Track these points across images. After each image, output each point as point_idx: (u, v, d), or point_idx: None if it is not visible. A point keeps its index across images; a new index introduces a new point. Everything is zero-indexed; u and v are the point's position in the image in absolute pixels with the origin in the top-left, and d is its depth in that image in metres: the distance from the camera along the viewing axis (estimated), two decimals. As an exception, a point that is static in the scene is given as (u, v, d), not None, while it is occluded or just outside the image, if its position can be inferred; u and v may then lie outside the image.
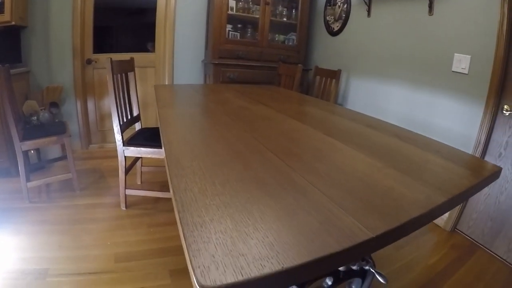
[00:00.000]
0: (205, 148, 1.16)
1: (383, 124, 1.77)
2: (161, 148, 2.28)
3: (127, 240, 2.14)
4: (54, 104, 3.28)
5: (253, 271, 0.50)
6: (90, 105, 3.59)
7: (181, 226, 0.62)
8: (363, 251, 0.64)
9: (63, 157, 2.98)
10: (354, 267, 1.31)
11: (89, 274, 1.81)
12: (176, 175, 0.85)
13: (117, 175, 2.40)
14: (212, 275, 0.49)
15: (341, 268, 1.28)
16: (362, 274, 1.67)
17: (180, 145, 1.15)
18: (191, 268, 0.51)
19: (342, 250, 0.59)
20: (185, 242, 0.56)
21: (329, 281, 1.55)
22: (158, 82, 3.82)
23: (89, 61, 3.44)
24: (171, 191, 0.77)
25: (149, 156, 2.30)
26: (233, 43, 3.59)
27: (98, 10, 3.47)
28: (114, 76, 2.26)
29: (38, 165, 3.07)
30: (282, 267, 0.52)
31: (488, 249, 2.34)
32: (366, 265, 1.33)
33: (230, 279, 0.48)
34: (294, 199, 0.77)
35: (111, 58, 2.19)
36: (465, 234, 2.51)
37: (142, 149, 2.29)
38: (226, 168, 0.94)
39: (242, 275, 0.49)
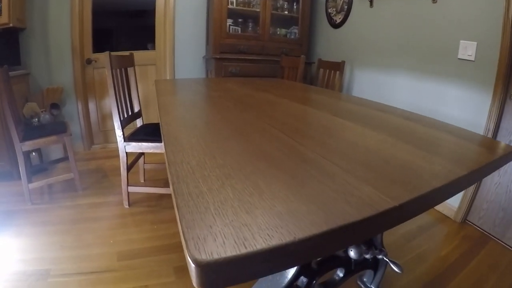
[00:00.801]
0: (205, 127, 1.09)
1: (391, 108, 1.69)
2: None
3: (130, 238, 2.06)
4: (55, 105, 3.21)
5: (259, 243, 0.42)
6: (91, 105, 3.52)
7: (175, 197, 0.53)
8: (385, 222, 0.56)
9: (65, 158, 2.91)
10: (368, 256, 1.21)
11: (91, 274, 1.75)
12: (172, 151, 0.77)
13: (120, 174, 2.33)
14: (208, 247, 0.41)
15: (352, 255, 1.18)
16: (375, 265, 1.58)
17: (179, 126, 1.07)
18: (184, 241, 0.42)
19: (363, 220, 0.50)
20: (178, 213, 0.48)
21: (340, 273, 1.45)
22: (159, 79, 3.74)
23: (89, 61, 3.38)
24: (166, 165, 0.69)
25: (151, 151, 2.23)
26: (234, 38, 3.51)
27: (97, 11, 3.42)
28: (113, 71, 2.19)
29: (40, 167, 3.00)
30: (294, 238, 0.43)
31: (500, 240, 2.26)
32: (379, 254, 1.23)
33: (231, 251, 0.40)
34: (303, 169, 0.69)
35: (109, 52, 2.12)
36: (476, 226, 2.42)
37: (144, 144, 2.21)
38: (227, 144, 0.86)
39: (246, 247, 0.41)
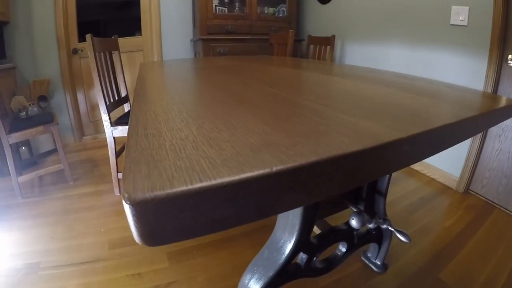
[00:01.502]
0: (183, 87, 0.94)
1: (385, 71, 1.55)
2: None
3: (122, 226, 1.95)
4: (43, 98, 3.06)
5: (220, 175, 0.27)
6: (80, 96, 3.36)
7: (127, 139, 0.39)
8: (393, 157, 0.42)
9: (55, 150, 2.78)
10: (371, 225, 1.08)
11: (82, 264, 1.64)
12: (139, 103, 0.62)
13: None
14: (151, 182, 0.26)
15: (354, 224, 1.05)
16: (379, 238, 1.45)
17: (153, 88, 0.92)
18: (122, 179, 0.28)
19: (365, 151, 0.36)
20: (125, 153, 0.33)
21: (342, 248, 1.32)
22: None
23: (75, 51, 3.21)
24: (130, 115, 0.54)
25: None
26: (221, 18, 3.35)
27: (83, 2, 3.25)
28: (97, 54, 2.05)
29: (30, 160, 2.86)
30: (271, 169, 0.29)
31: (504, 208, 2.16)
32: (383, 223, 1.10)
33: (179, 185, 0.25)
34: (288, 109, 0.55)
35: (91, 35, 1.97)
36: (479, 195, 2.30)
37: (131, 127, 2.06)
38: (203, 94, 0.72)
39: (201, 180, 0.26)
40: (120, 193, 2.25)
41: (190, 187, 0.26)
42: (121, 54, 3.23)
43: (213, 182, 0.27)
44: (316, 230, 1.27)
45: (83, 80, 3.35)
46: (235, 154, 0.33)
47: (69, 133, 3.33)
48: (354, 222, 1.04)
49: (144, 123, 0.48)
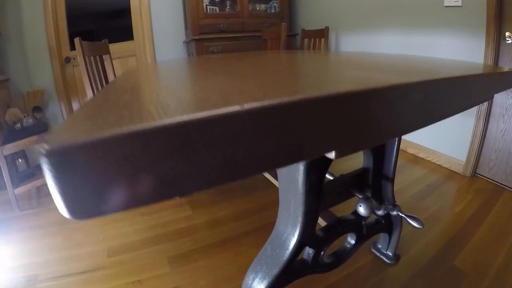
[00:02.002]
0: (170, 72, 0.84)
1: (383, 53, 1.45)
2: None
3: (120, 232, 1.86)
4: (38, 109, 2.97)
5: (168, 114, 0.18)
6: (75, 105, 3.27)
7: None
8: (403, 109, 0.32)
9: (52, 160, 2.67)
10: (380, 212, 0.98)
11: (80, 274, 1.54)
12: (107, 89, 0.53)
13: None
14: (74, 131, 0.17)
15: (362, 211, 0.95)
16: (389, 228, 1.34)
17: (139, 76, 0.82)
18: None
19: (367, 92, 0.26)
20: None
21: (351, 240, 1.22)
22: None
23: (67, 59, 3.13)
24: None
25: None
26: (213, 17, 3.26)
27: (74, 13, 3.19)
28: (86, 58, 1.95)
29: (27, 172, 2.77)
30: (242, 106, 0.19)
31: None
32: (393, 210, 1.00)
33: (110, 127, 0.16)
34: (279, 71, 0.44)
35: (79, 38, 1.88)
36: (487, 178, 2.20)
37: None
38: (188, 71, 0.62)
39: (141, 122, 0.17)
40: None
41: (124, 130, 0.17)
42: (114, 60, 3.15)
43: (157, 124, 0.18)
44: (322, 222, 1.18)
45: (77, 89, 3.26)
46: (198, 100, 0.23)
47: (66, 142, 3.25)
48: (361, 209, 0.94)
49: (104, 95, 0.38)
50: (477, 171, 2.27)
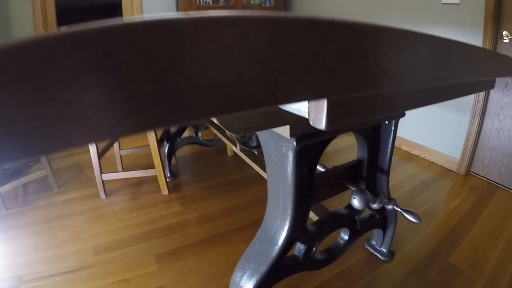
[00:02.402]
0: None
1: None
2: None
3: (107, 230, 1.79)
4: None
5: None
6: None
7: None
8: (405, 66, 0.26)
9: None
10: (375, 205, 0.93)
11: (66, 274, 1.47)
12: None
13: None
14: None
15: (356, 204, 0.90)
16: (383, 223, 1.29)
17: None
18: None
19: (347, 24, 0.21)
20: None
21: (344, 235, 1.16)
22: None
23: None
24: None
25: None
26: (206, 9, 3.19)
27: (65, 7, 3.09)
28: None
29: (13, 169, 2.67)
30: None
31: (507, 188, 2.05)
32: (388, 203, 0.95)
33: None
34: None
35: (58, 27, 1.80)
36: (481, 176, 2.17)
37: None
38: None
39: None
40: (105, 196, 2.10)
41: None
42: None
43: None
44: (313, 217, 1.12)
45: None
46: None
47: (54, 140, 3.15)
48: (356, 202, 0.89)
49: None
50: (471, 169, 2.24)
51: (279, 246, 0.87)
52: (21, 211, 2.07)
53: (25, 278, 1.46)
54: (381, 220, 1.24)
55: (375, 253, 1.41)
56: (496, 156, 2.09)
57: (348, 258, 1.40)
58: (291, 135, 0.69)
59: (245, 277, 0.94)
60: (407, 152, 2.62)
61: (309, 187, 0.83)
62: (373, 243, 1.43)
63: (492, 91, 2.04)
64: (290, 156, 0.74)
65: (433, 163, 2.41)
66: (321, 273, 1.32)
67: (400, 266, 1.37)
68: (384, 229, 1.30)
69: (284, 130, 0.69)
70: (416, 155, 2.55)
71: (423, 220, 1.67)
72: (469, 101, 2.12)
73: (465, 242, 1.52)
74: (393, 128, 1.02)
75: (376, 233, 1.39)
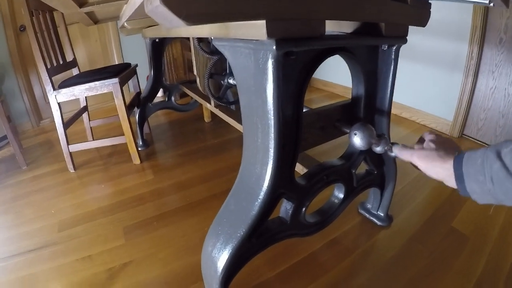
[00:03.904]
0: None
1: None
2: (104, 79, 1.66)
3: (74, 203, 1.58)
4: (-8, 82, 2.59)
5: None
6: (33, 77, 2.86)
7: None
8: None
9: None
10: (378, 149, 0.71)
11: (28, 253, 1.28)
12: None
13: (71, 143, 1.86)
14: None
15: (357, 142, 0.68)
16: (381, 181, 1.08)
17: None
18: None
19: None
20: None
21: (339, 193, 0.95)
22: (103, 36, 3.10)
23: (23, 28, 2.72)
24: None
25: (89, 94, 1.70)
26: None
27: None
28: (33, 11, 1.66)
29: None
30: None
31: None
32: (390, 150, 0.72)
33: None
34: None
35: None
36: (475, 139, 1.99)
37: (76, 88, 1.66)
38: None
39: None
40: (74, 169, 1.87)
41: None
42: (73, 25, 2.79)
43: None
44: (302, 170, 0.91)
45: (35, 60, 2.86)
46: None
47: (25, 118, 2.86)
48: (357, 139, 0.67)
49: None
50: (465, 132, 2.05)
51: (259, 201, 0.66)
52: (-11, 192, 1.84)
53: (-13, 260, 1.27)
54: (379, 177, 1.03)
55: (371, 218, 1.21)
56: (491, 117, 1.91)
57: (340, 225, 1.20)
58: (269, 35, 0.47)
59: (218, 245, 0.72)
60: (395, 115, 2.41)
61: (296, 119, 0.61)
62: (368, 206, 1.23)
63: (486, 48, 1.84)
64: (269, 68, 0.51)
65: (423, 125, 2.22)
66: (310, 242, 1.12)
67: (400, 232, 1.18)
68: (382, 188, 1.09)
69: (259, 29, 0.47)
70: (406, 118, 2.35)
71: (419, 183, 1.49)
72: (461, 58, 1.92)
73: (467, 206, 1.34)
74: (393, 57, 0.80)
75: (372, 195, 1.19)
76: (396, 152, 0.68)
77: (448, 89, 2.04)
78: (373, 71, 0.82)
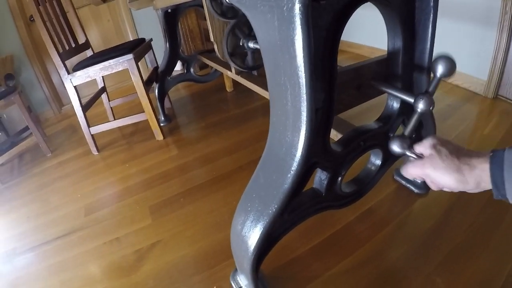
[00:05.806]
0: None
1: None
2: (118, 57, 1.60)
3: (99, 186, 1.56)
4: (10, 76, 2.58)
5: None
6: (50, 65, 2.83)
7: None
8: None
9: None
10: (422, 107, 0.62)
11: (56, 240, 1.27)
12: None
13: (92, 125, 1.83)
14: None
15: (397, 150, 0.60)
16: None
17: None
18: None
19: None
20: None
21: (376, 160, 0.86)
22: (114, 15, 3.02)
23: (32, 18, 2.67)
24: None
25: (104, 74, 1.67)
26: None
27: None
28: (39, 0, 1.61)
29: (7, 143, 2.41)
30: None
31: None
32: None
33: None
34: None
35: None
36: (511, 100, 1.81)
37: (91, 68, 1.61)
38: None
39: None
40: (98, 152, 1.86)
41: None
42: (84, 8, 2.72)
43: None
44: (336, 135, 0.83)
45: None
46: None
47: (47, 107, 2.86)
48: (395, 147, 0.57)
49: None
50: (500, 93, 1.89)
51: (292, 173, 0.58)
52: (16, 183, 1.87)
53: (18, 250, 1.28)
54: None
55: (408, 185, 1.13)
56: (529, 75, 1.75)
57: (375, 193, 1.12)
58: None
59: (248, 224, 0.66)
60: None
61: (329, 77, 0.52)
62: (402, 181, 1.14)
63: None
64: (296, 14, 0.43)
65: (456, 86, 2.07)
66: (343, 213, 1.05)
67: (438, 201, 1.09)
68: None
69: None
70: (437, 78, 2.21)
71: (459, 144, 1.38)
72: (495, 13, 1.75)
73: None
74: (432, 4, 0.70)
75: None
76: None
77: (481, 46, 1.88)
78: (411, 22, 0.72)
